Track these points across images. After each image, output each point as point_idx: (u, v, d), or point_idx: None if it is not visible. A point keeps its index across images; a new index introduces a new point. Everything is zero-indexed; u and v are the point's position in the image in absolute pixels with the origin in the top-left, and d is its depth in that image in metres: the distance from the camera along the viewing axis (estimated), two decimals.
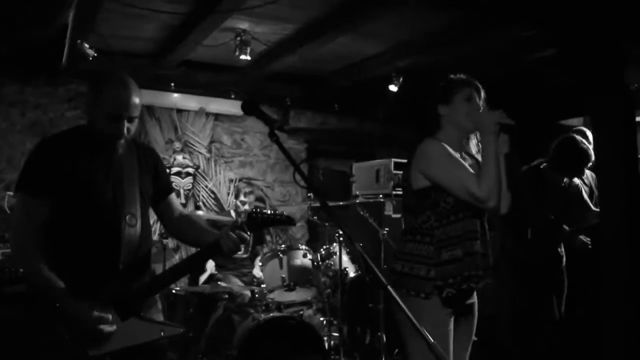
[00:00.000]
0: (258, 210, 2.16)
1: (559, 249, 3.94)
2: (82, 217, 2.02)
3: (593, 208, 3.96)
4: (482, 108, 2.39)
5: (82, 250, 2.02)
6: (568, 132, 4.09)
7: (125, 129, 2.03)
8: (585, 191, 4.06)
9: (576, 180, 3.99)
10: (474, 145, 2.52)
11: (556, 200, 3.90)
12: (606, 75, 3.34)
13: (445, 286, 2.25)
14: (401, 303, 1.46)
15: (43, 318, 1.98)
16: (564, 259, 3.94)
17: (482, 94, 2.45)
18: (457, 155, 2.38)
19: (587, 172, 4.19)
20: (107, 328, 1.94)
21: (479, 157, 2.43)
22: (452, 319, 2.30)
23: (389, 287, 1.49)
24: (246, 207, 4.97)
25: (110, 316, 1.95)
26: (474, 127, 2.39)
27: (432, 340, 1.43)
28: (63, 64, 4.72)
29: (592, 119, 3.88)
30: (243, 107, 1.95)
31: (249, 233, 2.12)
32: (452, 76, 2.50)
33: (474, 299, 2.45)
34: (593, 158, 3.73)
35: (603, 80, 3.37)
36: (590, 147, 3.80)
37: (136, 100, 2.04)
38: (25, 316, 2.08)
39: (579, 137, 3.84)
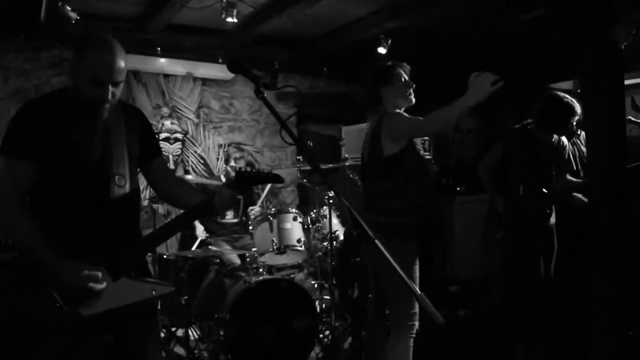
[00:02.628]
0: (246, 168, 2.18)
1: (545, 209, 3.97)
2: (69, 178, 2.00)
3: (574, 168, 3.99)
4: (412, 85, 2.94)
5: (72, 212, 2.01)
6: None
7: (109, 94, 1.99)
8: (572, 152, 4.07)
9: (564, 140, 4.00)
10: None
11: (545, 159, 3.92)
12: (595, 34, 3.32)
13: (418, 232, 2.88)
14: (387, 255, 1.48)
15: (33, 281, 1.98)
16: (553, 217, 3.97)
17: (408, 69, 3.01)
18: None
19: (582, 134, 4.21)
20: (97, 286, 1.95)
21: None
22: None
23: (376, 240, 1.50)
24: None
25: (99, 274, 1.96)
26: (410, 102, 2.95)
27: (420, 292, 1.45)
28: (42, 19, 4.57)
29: (581, 79, 3.87)
30: (229, 65, 1.94)
31: (237, 190, 2.13)
32: (386, 62, 3.03)
33: None
34: (579, 112, 3.73)
35: (592, 39, 3.35)
36: (576, 102, 3.79)
37: (121, 64, 1.99)
38: (15, 280, 2.07)
39: (562, 93, 3.84)
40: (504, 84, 2.50)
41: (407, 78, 2.96)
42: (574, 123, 3.84)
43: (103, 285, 1.96)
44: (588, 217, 3.27)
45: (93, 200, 2.03)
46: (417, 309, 2.77)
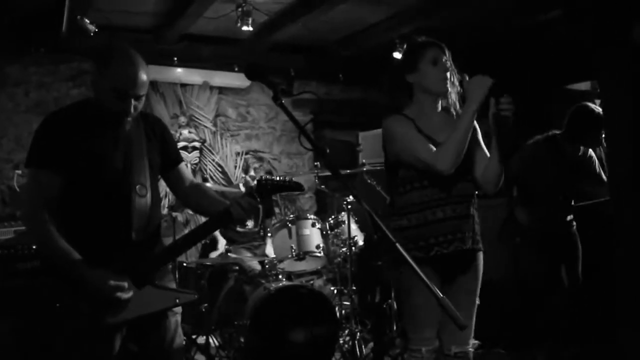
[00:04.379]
0: (267, 177, 2.18)
1: (567, 217, 3.92)
2: (92, 188, 2.02)
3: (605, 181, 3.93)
4: (449, 69, 2.38)
5: (94, 222, 2.03)
6: (577, 98, 4.05)
7: (132, 107, 2.00)
8: (597, 164, 4.01)
9: (591, 152, 3.94)
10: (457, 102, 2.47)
11: (571, 171, 3.87)
12: (615, 33, 3.28)
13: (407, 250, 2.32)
14: (409, 259, 1.47)
15: (60, 289, 2.00)
16: (574, 225, 3.93)
17: (447, 52, 2.42)
18: (434, 119, 2.40)
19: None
20: (124, 295, 1.96)
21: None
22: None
23: (397, 244, 1.49)
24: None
25: (126, 284, 1.98)
26: (445, 89, 2.37)
27: (441, 295, 1.44)
28: (63, 33, 4.65)
29: (600, 79, 3.83)
30: (247, 72, 1.94)
31: (258, 199, 2.13)
32: (413, 41, 2.47)
33: (474, 259, 2.45)
34: None
35: (612, 38, 3.31)
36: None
37: (143, 77, 2.00)
38: (42, 288, 2.10)
39: (592, 105, 3.79)
40: (519, 87, 2.39)
41: (441, 59, 2.37)
42: (604, 136, 3.79)
43: (130, 294, 1.98)
44: (613, 221, 3.22)
45: (115, 210, 2.04)
46: (428, 335, 2.39)
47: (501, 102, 2.25)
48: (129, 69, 1.96)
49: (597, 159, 4.08)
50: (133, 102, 2.00)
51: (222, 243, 4.98)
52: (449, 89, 2.38)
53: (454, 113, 2.46)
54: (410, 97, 2.45)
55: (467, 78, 2.32)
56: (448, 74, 2.36)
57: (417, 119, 2.39)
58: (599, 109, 3.74)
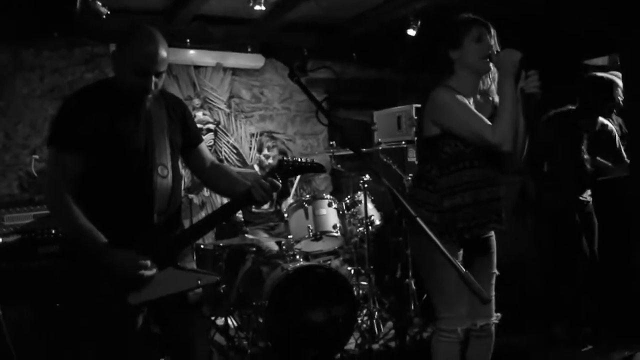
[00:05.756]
0: (288, 158, 2.17)
1: (581, 195, 3.87)
2: (114, 169, 2.02)
3: (626, 159, 3.86)
4: (493, 46, 2.35)
5: (117, 202, 2.03)
6: (592, 71, 4.01)
7: (153, 84, 2.00)
8: (618, 139, 3.93)
9: (609, 125, 3.87)
10: (492, 85, 2.45)
11: (588, 146, 3.81)
12: (637, 9, 3.20)
13: (445, 232, 2.32)
14: (430, 233, 1.44)
15: (81, 271, 2.01)
16: (588, 202, 3.89)
17: (492, 31, 2.39)
18: (471, 100, 2.38)
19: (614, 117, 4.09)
20: (147, 272, 1.97)
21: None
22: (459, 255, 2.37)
23: (417, 218, 1.47)
24: (270, 160, 4.96)
25: (149, 262, 1.98)
26: (488, 67, 2.35)
27: (464, 270, 1.42)
28: (76, 12, 4.63)
29: (622, 55, 3.76)
30: (262, 50, 1.92)
31: (280, 181, 2.11)
32: (458, 17, 2.42)
33: (490, 234, 2.49)
34: (620, 84, 3.63)
35: (634, 14, 3.23)
36: (614, 76, 3.68)
37: (164, 54, 2.00)
38: (63, 271, 2.12)
39: (600, 73, 3.74)
40: (538, 62, 2.36)
41: (485, 37, 2.35)
42: (620, 97, 3.72)
43: (153, 272, 1.98)
44: (629, 195, 3.17)
45: (137, 190, 2.04)
46: (463, 312, 2.37)
47: (528, 78, 2.24)
48: (149, 47, 1.97)
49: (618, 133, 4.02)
50: (154, 78, 2.00)
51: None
52: (491, 68, 2.36)
53: (491, 99, 2.44)
54: (451, 74, 2.40)
55: (496, 52, 2.32)
56: (490, 52, 2.32)
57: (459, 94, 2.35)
58: (609, 76, 3.69)
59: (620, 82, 3.65)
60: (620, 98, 3.72)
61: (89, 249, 1.96)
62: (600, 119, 3.86)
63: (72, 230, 2.00)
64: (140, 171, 2.05)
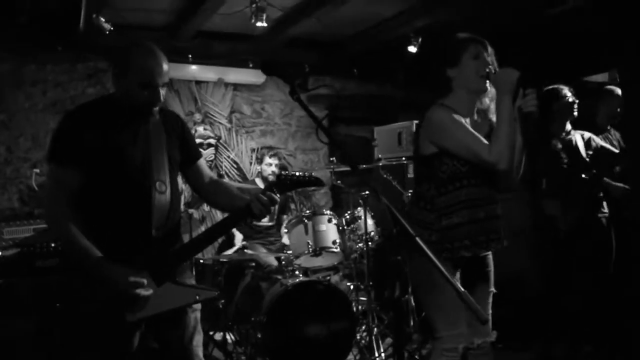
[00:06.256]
0: (286, 172, 2.18)
1: (599, 214, 3.80)
2: (112, 185, 2.04)
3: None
4: (491, 64, 2.36)
5: (115, 218, 2.04)
6: (595, 90, 4.04)
7: (161, 95, 2.05)
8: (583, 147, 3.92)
9: (576, 138, 3.84)
10: (491, 104, 2.45)
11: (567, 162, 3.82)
12: (636, 23, 3.23)
13: (443, 250, 2.33)
14: (429, 252, 1.45)
15: (79, 286, 2.01)
16: (606, 219, 3.81)
17: (490, 49, 2.40)
18: (467, 119, 2.39)
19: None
20: (144, 292, 1.97)
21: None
22: (457, 276, 2.38)
23: (417, 237, 1.47)
24: (272, 168, 4.94)
25: (145, 280, 1.98)
26: (484, 86, 2.36)
27: (462, 289, 1.42)
28: (80, 30, 4.68)
29: (620, 70, 3.79)
30: (263, 67, 1.93)
31: (278, 195, 2.13)
32: (456, 35, 2.44)
33: (488, 253, 2.49)
34: (567, 94, 3.76)
35: (633, 29, 3.26)
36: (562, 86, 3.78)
37: (165, 66, 2.06)
38: (60, 286, 2.12)
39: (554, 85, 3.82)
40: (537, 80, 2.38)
41: (483, 55, 2.35)
42: (565, 107, 3.75)
43: (149, 292, 1.98)
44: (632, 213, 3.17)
45: (136, 206, 2.06)
46: (464, 329, 2.34)
47: (526, 97, 2.25)
48: (151, 60, 2.02)
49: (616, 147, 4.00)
50: (160, 90, 2.05)
51: (238, 238, 4.98)
52: (488, 87, 2.36)
53: (489, 118, 2.44)
54: (449, 92, 2.41)
55: (494, 71, 2.33)
56: (488, 71, 2.32)
57: (455, 113, 2.36)
58: (557, 87, 3.79)
59: (566, 92, 3.74)
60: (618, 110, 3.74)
61: (84, 264, 1.97)
62: (572, 132, 3.85)
63: (69, 245, 2.01)
64: (138, 187, 2.06)
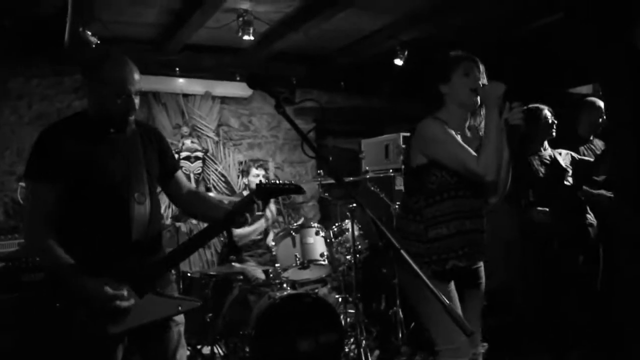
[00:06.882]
0: (266, 181, 2.22)
1: (585, 220, 3.86)
2: (91, 197, 2.05)
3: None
4: (481, 81, 2.42)
5: (94, 230, 2.04)
6: (580, 102, 4.11)
7: (135, 103, 2.08)
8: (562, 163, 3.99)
9: (554, 153, 3.94)
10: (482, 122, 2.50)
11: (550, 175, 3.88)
12: (614, 36, 3.29)
13: (432, 263, 2.35)
14: (414, 265, 1.46)
15: (61, 300, 2.00)
16: (592, 228, 3.86)
17: (481, 67, 2.47)
18: (458, 133, 2.43)
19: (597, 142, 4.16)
20: (124, 303, 1.96)
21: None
22: (451, 286, 2.39)
23: (402, 250, 1.49)
24: (260, 179, 4.92)
25: (125, 292, 1.97)
26: (474, 101, 2.41)
27: (448, 302, 1.43)
28: (65, 44, 4.68)
29: (602, 83, 3.85)
30: (248, 81, 1.95)
31: (260, 202, 2.15)
32: (449, 54, 2.51)
33: (479, 265, 2.52)
34: (546, 115, 3.83)
35: (611, 42, 3.31)
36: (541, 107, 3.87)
37: (137, 75, 2.10)
38: (44, 300, 2.11)
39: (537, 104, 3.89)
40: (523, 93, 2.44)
41: (473, 72, 2.41)
42: (544, 127, 3.82)
43: (130, 303, 1.97)
44: (614, 220, 3.21)
45: (114, 218, 2.06)
46: (458, 342, 2.29)
47: (513, 110, 2.31)
48: (124, 69, 2.06)
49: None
50: (134, 98, 2.08)
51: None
52: (478, 102, 2.41)
53: (479, 134, 2.48)
54: (441, 106, 2.47)
55: (482, 85, 2.39)
56: (477, 87, 2.38)
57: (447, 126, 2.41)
58: (538, 105, 3.85)
59: (545, 113, 3.82)
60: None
61: (64, 279, 1.97)
62: (550, 150, 3.93)
63: (47, 260, 2.02)
64: (117, 199, 2.07)
